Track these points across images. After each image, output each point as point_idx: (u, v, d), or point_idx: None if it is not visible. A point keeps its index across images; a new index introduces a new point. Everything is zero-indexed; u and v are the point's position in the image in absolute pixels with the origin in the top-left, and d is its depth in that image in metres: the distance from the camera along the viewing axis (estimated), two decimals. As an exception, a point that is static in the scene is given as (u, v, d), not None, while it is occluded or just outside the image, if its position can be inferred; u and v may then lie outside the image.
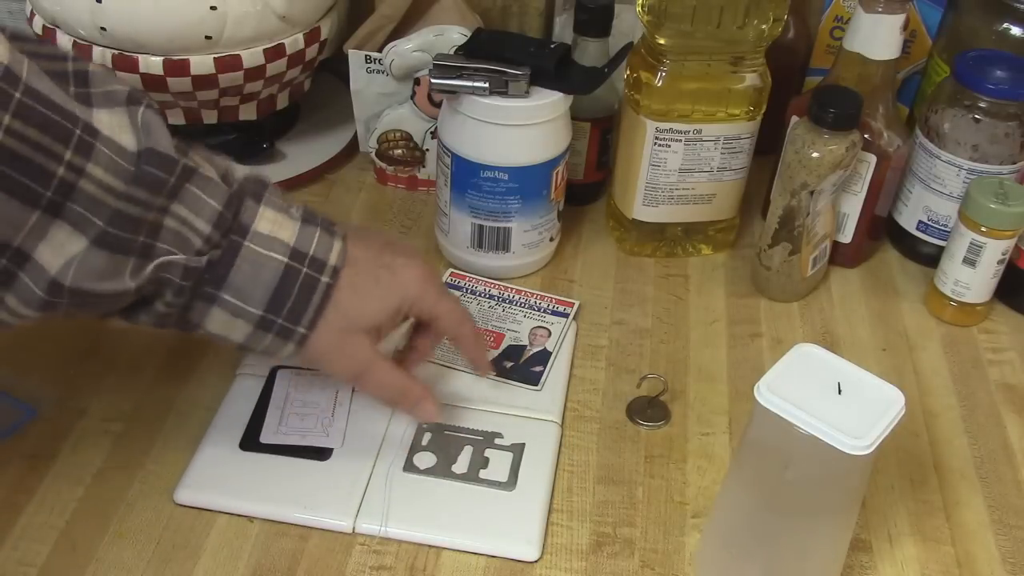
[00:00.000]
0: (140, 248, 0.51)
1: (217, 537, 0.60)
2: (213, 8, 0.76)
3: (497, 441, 0.66)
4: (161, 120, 0.52)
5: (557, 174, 0.77)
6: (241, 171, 0.57)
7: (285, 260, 0.55)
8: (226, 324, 0.56)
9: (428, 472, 0.64)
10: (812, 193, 0.74)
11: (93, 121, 0.49)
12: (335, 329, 0.57)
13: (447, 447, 0.65)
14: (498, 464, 0.64)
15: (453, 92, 0.73)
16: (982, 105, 0.76)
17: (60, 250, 0.49)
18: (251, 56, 0.80)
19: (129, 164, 0.50)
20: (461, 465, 0.64)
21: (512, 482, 0.63)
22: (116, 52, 0.78)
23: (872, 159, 0.77)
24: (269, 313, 0.56)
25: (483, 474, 0.64)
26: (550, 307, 0.77)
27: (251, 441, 0.65)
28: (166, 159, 0.51)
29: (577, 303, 0.77)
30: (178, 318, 0.55)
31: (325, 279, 0.56)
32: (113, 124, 0.50)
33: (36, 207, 0.48)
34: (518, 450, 0.65)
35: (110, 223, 0.50)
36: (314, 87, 0.92)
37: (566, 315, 0.76)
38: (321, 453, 0.64)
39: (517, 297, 0.78)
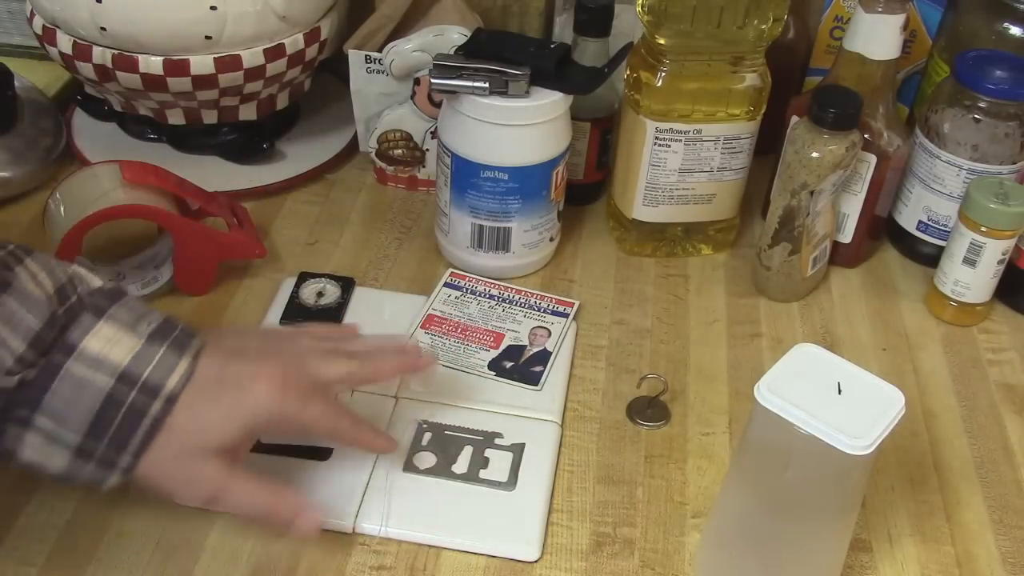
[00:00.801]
0: None
1: (217, 537, 0.59)
2: (213, 8, 0.76)
3: (497, 441, 0.66)
4: None
5: (557, 174, 0.77)
6: (94, 283, 0.54)
7: (111, 383, 0.50)
8: (42, 451, 0.51)
9: (428, 472, 0.64)
10: (812, 193, 0.74)
11: None
12: (171, 455, 0.52)
13: (447, 447, 0.65)
14: (498, 464, 0.64)
15: (453, 92, 0.73)
16: (982, 105, 0.76)
17: None
18: (251, 56, 0.80)
19: None
20: (461, 465, 0.64)
21: (512, 482, 0.63)
22: (116, 52, 0.78)
23: (872, 159, 0.77)
24: (89, 439, 0.51)
25: (483, 474, 0.64)
26: (550, 307, 0.77)
27: (251, 441, 0.65)
28: None
29: (577, 303, 0.77)
30: None
31: (156, 406, 0.51)
32: None
33: None
34: (518, 450, 0.65)
35: None
36: (314, 87, 0.92)
37: (566, 315, 0.76)
38: (321, 453, 0.64)
39: (517, 297, 0.78)
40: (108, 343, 0.51)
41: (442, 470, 0.64)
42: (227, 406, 0.53)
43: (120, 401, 0.51)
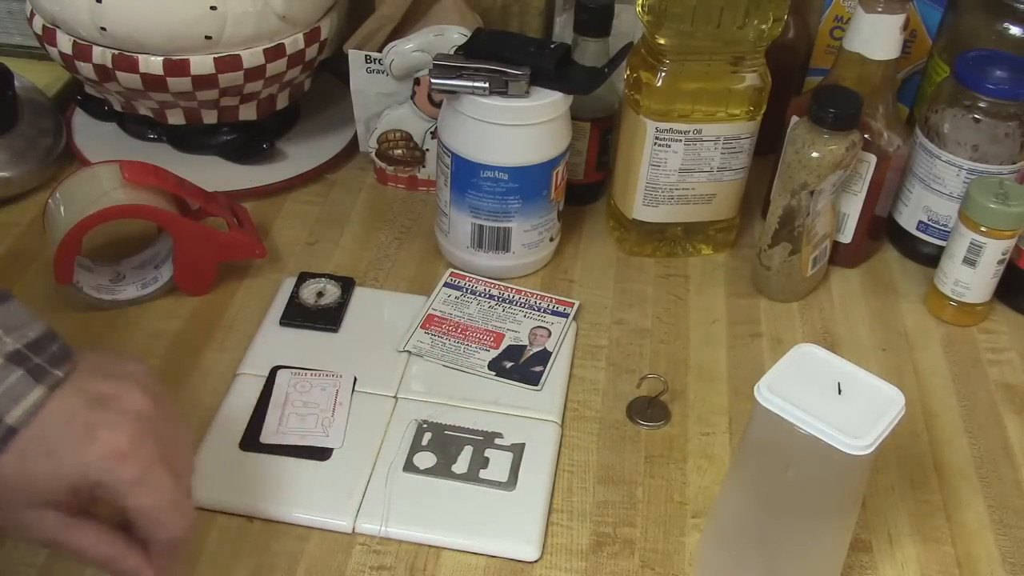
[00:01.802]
0: None
1: (217, 537, 0.59)
2: (213, 8, 0.76)
3: (497, 441, 0.66)
4: None
5: (557, 174, 0.77)
6: None
7: None
8: None
9: (428, 472, 0.64)
10: (812, 193, 0.74)
11: None
12: (2, 501, 0.46)
13: (447, 447, 0.65)
14: (498, 464, 0.64)
15: (453, 92, 0.73)
16: (982, 105, 0.76)
17: None
18: (251, 56, 0.80)
19: None
20: (461, 465, 0.64)
21: (512, 482, 0.63)
22: (116, 52, 0.78)
23: (872, 159, 0.77)
24: None
25: (483, 474, 0.64)
26: (550, 307, 0.77)
27: (251, 441, 0.65)
28: None
29: (577, 303, 0.77)
30: None
31: None
32: None
33: None
34: (518, 450, 0.65)
35: None
36: (314, 87, 0.92)
37: (566, 315, 0.76)
38: (321, 453, 0.64)
39: (517, 297, 0.78)
40: None
41: (442, 470, 0.64)
42: (58, 461, 0.46)
43: None
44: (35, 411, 0.46)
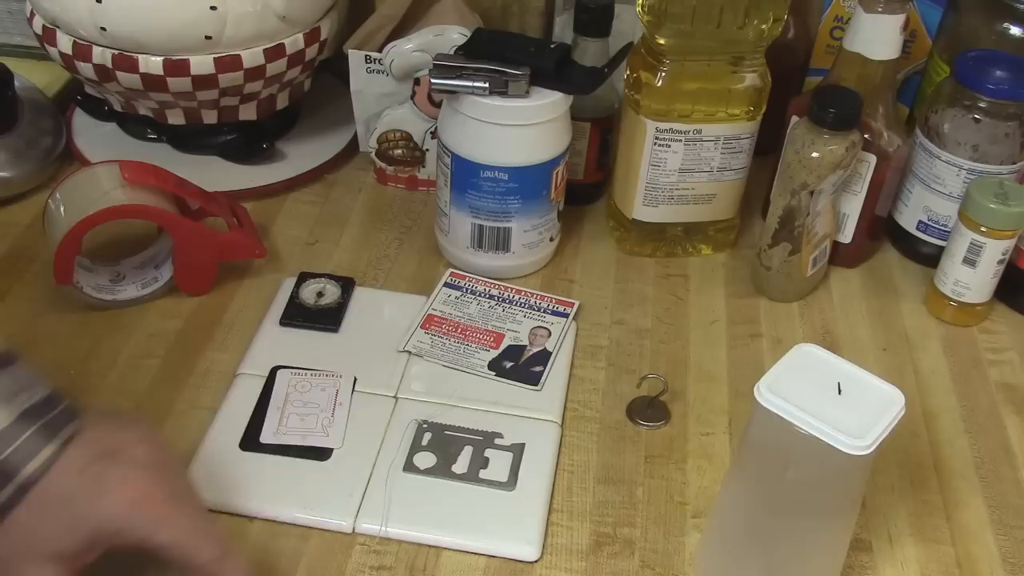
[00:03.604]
0: None
1: (217, 537, 0.59)
2: (213, 8, 0.76)
3: (497, 441, 0.66)
4: None
5: (557, 174, 0.77)
6: None
7: None
8: None
9: (428, 472, 0.64)
10: (812, 193, 0.74)
11: None
12: (6, 554, 0.48)
13: (447, 447, 0.65)
14: (498, 464, 0.64)
15: (453, 92, 0.73)
16: (982, 105, 0.76)
17: None
18: (251, 56, 0.80)
19: None
20: (461, 465, 0.64)
21: (512, 482, 0.63)
22: (116, 52, 0.78)
23: (872, 159, 0.77)
24: None
25: (483, 474, 0.64)
26: (550, 307, 0.77)
27: (251, 441, 0.65)
28: None
29: (577, 303, 0.77)
30: None
31: (7, 492, 0.47)
32: None
33: None
34: (518, 450, 0.65)
35: None
36: (314, 87, 0.92)
37: (566, 315, 0.76)
38: (321, 453, 0.64)
39: (517, 297, 0.78)
40: None
41: (442, 470, 0.64)
42: (76, 512, 0.48)
43: None
44: (48, 465, 0.48)
